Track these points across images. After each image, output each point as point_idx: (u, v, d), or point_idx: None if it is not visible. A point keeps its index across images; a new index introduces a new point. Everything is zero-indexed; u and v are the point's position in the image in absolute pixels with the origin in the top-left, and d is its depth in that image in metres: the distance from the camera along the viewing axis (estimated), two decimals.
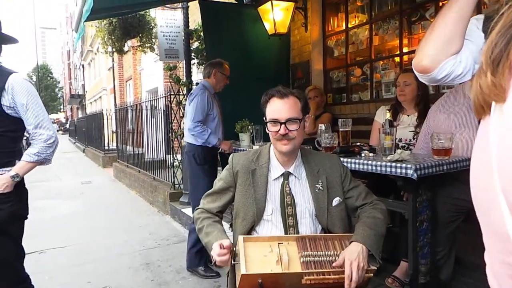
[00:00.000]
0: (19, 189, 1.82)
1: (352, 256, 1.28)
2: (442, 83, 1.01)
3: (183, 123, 4.69)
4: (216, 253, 1.31)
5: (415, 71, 0.99)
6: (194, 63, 5.11)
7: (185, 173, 4.61)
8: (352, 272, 1.26)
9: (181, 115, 4.89)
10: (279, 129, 1.41)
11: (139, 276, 3.08)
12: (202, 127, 2.91)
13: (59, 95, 56.98)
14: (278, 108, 1.42)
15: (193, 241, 2.95)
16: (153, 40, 5.73)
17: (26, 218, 1.89)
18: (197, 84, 5.14)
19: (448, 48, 0.91)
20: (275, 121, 1.42)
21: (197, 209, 1.59)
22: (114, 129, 10.76)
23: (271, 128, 1.44)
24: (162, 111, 5.64)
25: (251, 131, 3.49)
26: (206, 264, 2.95)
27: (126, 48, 6.16)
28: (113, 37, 5.32)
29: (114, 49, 5.89)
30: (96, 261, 3.45)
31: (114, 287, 2.88)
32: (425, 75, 0.96)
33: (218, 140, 2.98)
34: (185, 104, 4.54)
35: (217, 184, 1.57)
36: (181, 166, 4.89)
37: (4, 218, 1.75)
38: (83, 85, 27.46)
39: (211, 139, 2.92)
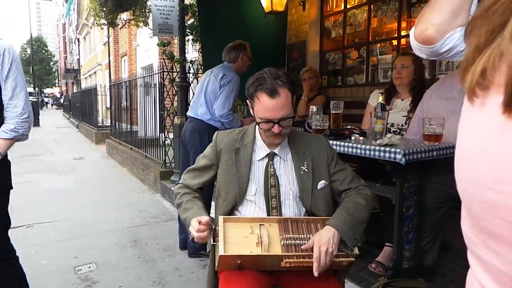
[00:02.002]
0: (2, 162, 1.78)
1: (322, 241, 1.25)
2: (442, 58, 0.95)
3: (176, 100, 4.62)
4: (195, 229, 1.27)
5: (414, 43, 0.92)
6: (188, 40, 4.99)
7: (178, 151, 4.58)
8: (320, 256, 1.23)
9: (174, 93, 4.81)
10: (272, 127, 1.34)
11: (126, 253, 3.08)
12: (232, 115, 2.91)
13: (54, 69, 56.09)
14: (270, 108, 1.32)
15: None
16: (147, 14, 5.57)
17: (12, 187, 1.87)
18: (191, 61, 5.06)
19: (455, 20, 0.85)
20: (268, 121, 1.35)
21: (177, 183, 1.56)
22: (108, 105, 10.65)
23: (262, 126, 1.37)
24: (155, 88, 5.55)
25: (243, 110, 3.44)
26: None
27: (119, 22, 5.99)
28: (105, 9, 5.16)
29: (106, 22, 5.73)
30: (84, 236, 3.45)
31: (100, 262, 2.87)
32: (427, 46, 0.89)
33: (240, 121, 2.95)
34: (178, 82, 4.48)
35: (200, 161, 1.53)
36: (172, 144, 4.84)
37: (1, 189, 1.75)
38: (78, 60, 27.00)
39: (237, 123, 2.91)
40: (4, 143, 1.72)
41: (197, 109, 3.01)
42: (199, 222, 1.28)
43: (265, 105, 1.33)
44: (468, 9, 0.86)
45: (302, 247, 1.27)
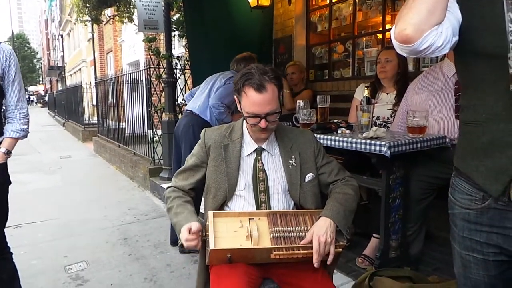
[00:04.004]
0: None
1: (320, 232, 1.29)
2: (422, 56, 0.97)
3: (163, 96, 4.60)
4: (184, 238, 1.27)
5: (395, 42, 0.94)
6: (174, 35, 4.95)
7: (167, 147, 4.56)
8: (319, 247, 1.27)
9: (161, 89, 4.78)
10: (259, 122, 1.36)
11: (116, 250, 3.08)
12: (225, 108, 2.93)
13: (37, 66, 54.93)
14: (257, 103, 1.34)
15: None
16: (132, 9, 5.50)
17: (10, 183, 1.94)
18: (178, 57, 5.04)
19: (432, 18, 0.87)
20: (255, 116, 1.37)
21: (168, 187, 1.53)
22: (94, 103, 10.51)
23: (249, 121, 1.39)
24: (142, 84, 5.50)
25: None
26: None
27: (103, 19, 5.90)
28: (88, 5, 5.08)
29: (90, 18, 5.64)
30: (73, 235, 3.43)
31: (91, 261, 2.87)
32: (406, 45, 0.90)
33: (230, 117, 2.98)
34: (165, 78, 4.46)
35: (190, 160, 1.52)
36: (161, 141, 4.83)
37: (6, 183, 1.86)
38: (63, 57, 26.51)
39: (227, 117, 2.94)
40: (13, 142, 1.86)
41: (197, 103, 3.04)
42: (189, 230, 1.27)
43: (252, 100, 1.35)
44: (444, 8, 0.88)
45: (302, 242, 1.30)
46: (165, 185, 4.39)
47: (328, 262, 1.30)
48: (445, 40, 0.89)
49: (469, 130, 0.97)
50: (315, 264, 1.27)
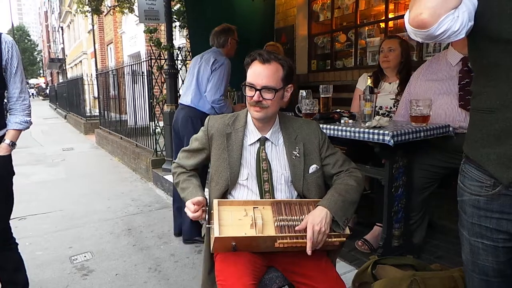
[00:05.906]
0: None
1: (315, 220, 1.28)
2: (437, 41, 0.96)
3: (165, 88, 4.58)
4: (190, 210, 1.35)
5: (409, 28, 0.92)
6: (175, 26, 4.92)
7: (169, 139, 4.57)
8: (313, 235, 1.27)
9: (163, 80, 4.77)
10: (254, 95, 1.37)
11: (120, 241, 3.11)
12: (225, 101, 2.90)
13: (38, 59, 54.73)
14: (257, 73, 1.38)
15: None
16: (132, 0, 5.46)
17: (14, 174, 1.97)
18: (179, 48, 5.01)
19: (449, 2, 0.86)
20: (251, 86, 1.38)
21: (173, 162, 1.62)
22: (95, 95, 10.50)
23: (247, 92, 1.41)
24: (144, 76, 5.48)
25: (233, 96, 3.44)
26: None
27: (104, 9, 5.85)
28: None
29: (90, 9, 5.59)
30: (78, 227, 3.46)
31: (95, 251, 2.90)
32: (422, 30, 0.88)
33: (231, 108, 2.95)
34: (166, 69, 4.44)
35: (193, 143, 1.56)
36: (163, 132, 4.83)
37: (10, 175, 1.88)
38: (63, 49, 26.40)
39: (228, 109, 2.90)
40: (17, 134, 1.88)
41: (189, 96, 2.99)
42: (193, 203, 1.35)
43: (254, 70, 1.39)
44: None
45: (296, 228, 1.30)
46: (167, 177, 4.41)
47: (318, 247, 1.29)
48: (462, 24, 0.88)
49: (481, 117, 0.96)
50: (308, 252, 1.26)
